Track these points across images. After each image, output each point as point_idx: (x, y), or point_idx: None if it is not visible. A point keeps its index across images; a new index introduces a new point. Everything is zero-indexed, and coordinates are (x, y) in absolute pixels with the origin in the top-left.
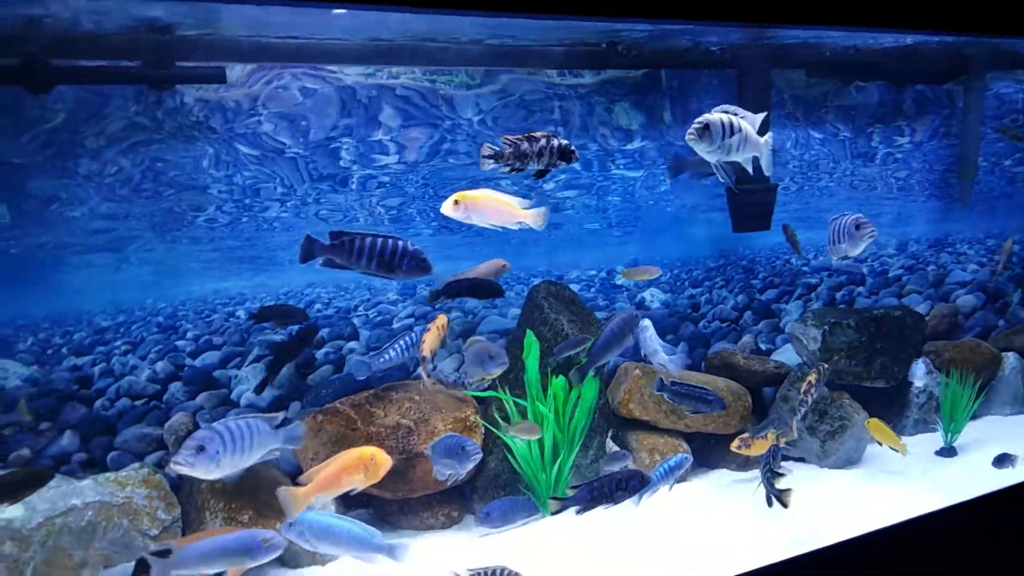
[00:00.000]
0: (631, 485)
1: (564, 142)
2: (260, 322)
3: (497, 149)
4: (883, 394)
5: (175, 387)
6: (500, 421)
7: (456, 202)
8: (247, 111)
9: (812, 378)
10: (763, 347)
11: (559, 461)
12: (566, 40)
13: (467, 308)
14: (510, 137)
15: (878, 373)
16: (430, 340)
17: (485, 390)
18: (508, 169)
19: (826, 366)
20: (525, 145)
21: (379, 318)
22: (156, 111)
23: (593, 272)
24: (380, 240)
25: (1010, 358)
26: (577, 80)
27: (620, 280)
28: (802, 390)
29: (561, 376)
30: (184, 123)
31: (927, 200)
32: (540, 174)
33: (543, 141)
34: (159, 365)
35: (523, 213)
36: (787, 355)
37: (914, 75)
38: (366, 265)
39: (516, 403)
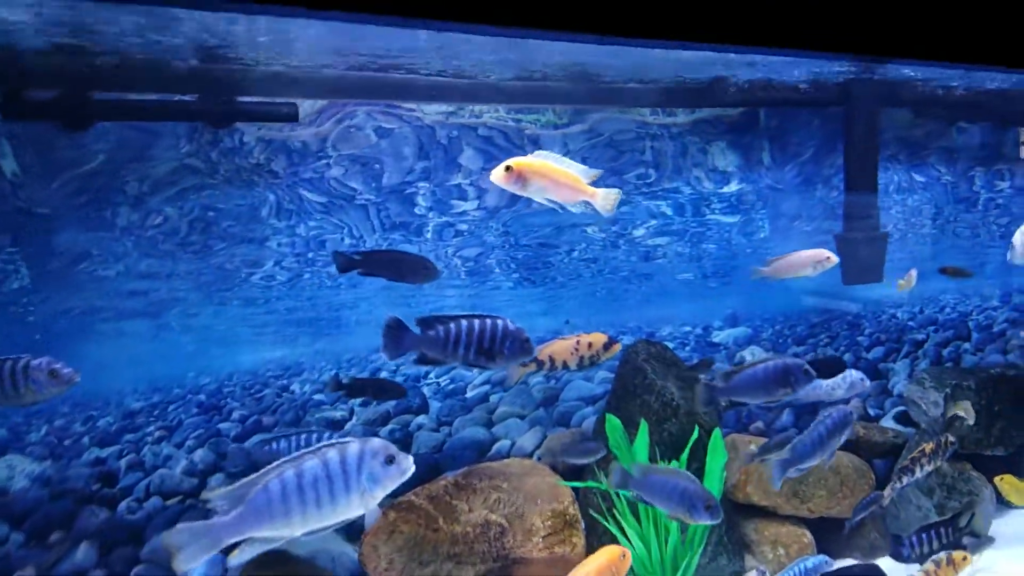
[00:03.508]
0: None
1: None
2: (353, 396)
3: None
4: (999, 463)
5: (216, 480)
6: None
7: (508, 168)
8: (315, 153)
9: (928, 448)
10: (871, 412)
11: (684, 564)
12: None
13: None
14: None
15: (997, 439)
16: (558, 348)
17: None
18: None
19: (951, 439)
20: None
21: (451, 386)
22: (211, 152)
23: (687, 328)
24: (477, 323)
25: None
26: (670, 119)
27: (718, 338)
28: (911, 458)
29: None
30: (243, 166)
31: None
32: None
33: None
34: (198, 454)
35: (589, 190)
36: (890, 420)
37: (1017, 115)
38: (463, 355)
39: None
